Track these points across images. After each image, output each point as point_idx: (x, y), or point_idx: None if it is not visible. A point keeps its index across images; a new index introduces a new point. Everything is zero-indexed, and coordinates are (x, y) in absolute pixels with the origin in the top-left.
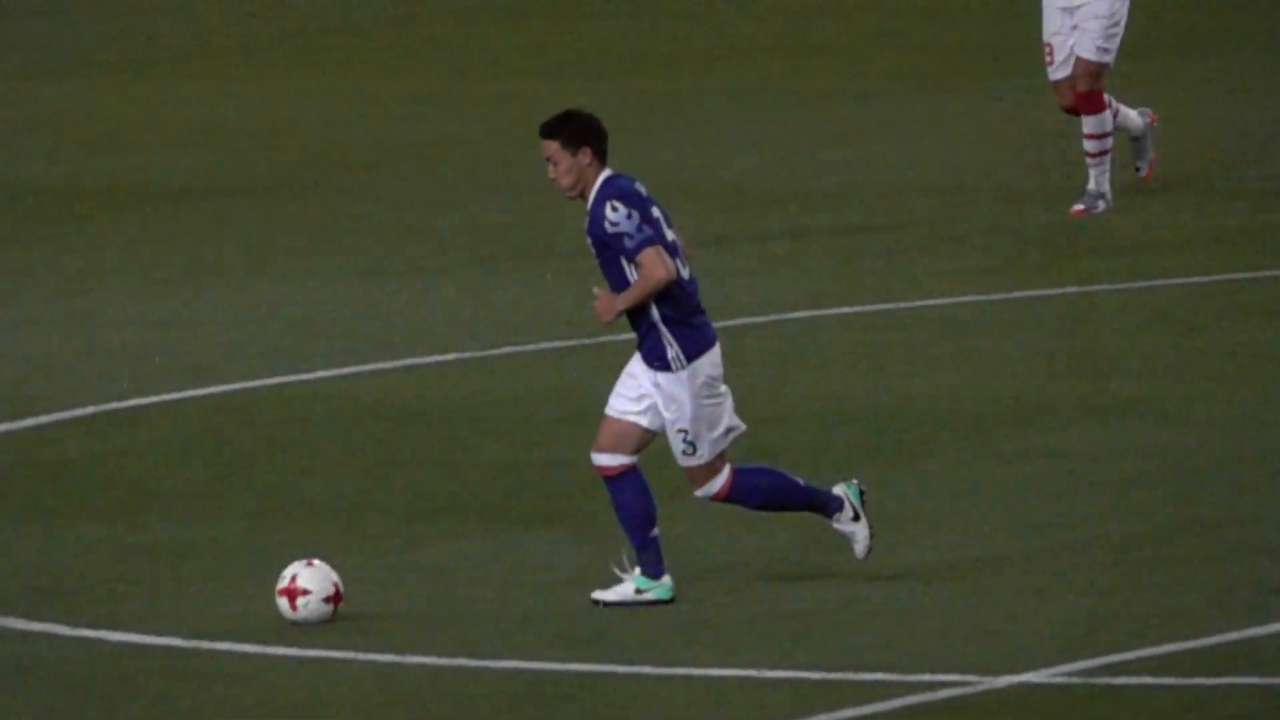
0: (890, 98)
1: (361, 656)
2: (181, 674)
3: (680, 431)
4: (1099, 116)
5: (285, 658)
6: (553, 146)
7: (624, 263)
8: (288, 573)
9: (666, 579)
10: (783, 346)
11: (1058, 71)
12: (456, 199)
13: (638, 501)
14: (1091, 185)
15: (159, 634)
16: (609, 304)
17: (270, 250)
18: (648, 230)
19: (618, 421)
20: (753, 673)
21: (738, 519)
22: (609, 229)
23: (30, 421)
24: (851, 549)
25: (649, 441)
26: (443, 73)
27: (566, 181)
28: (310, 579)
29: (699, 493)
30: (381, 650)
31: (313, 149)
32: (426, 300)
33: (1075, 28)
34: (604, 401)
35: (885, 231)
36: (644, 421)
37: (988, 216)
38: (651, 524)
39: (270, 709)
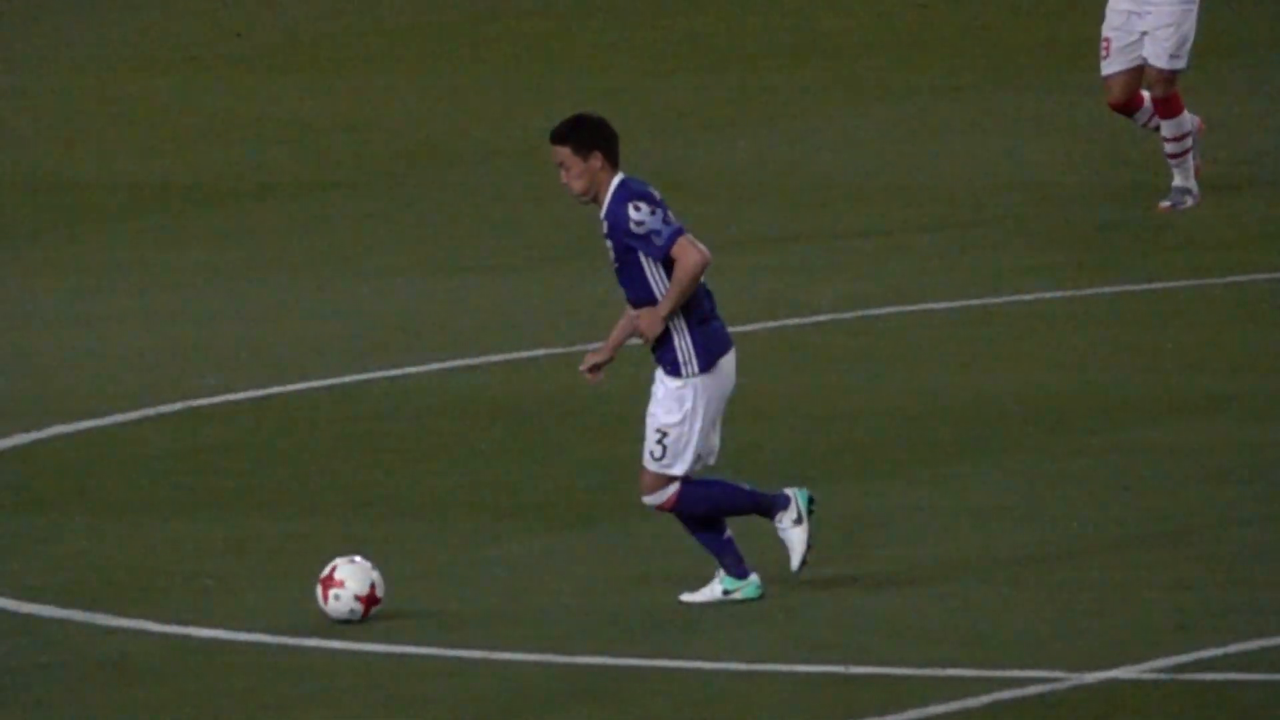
0: (979, 93)
1: (448, 652)
2: (269, 670)
3: (658, 431)
4: (1176, 120)
5: (372, 654)
6: (564, 152)
7: (645, 265)
8: (330, 565)
9: (753, 577)
10: (869, 343)
11: (1110, 66)
12: (546, 195)
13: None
14: (1177, 181)
15: (247, 630)
16: (652, 318)
17: (360, 246)
18: (674, 222)
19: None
20: (839, 669)
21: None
22: (635, 229)
23: (118, 417)
24: (789, 558)
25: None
26: (534, 68)
27: (579, 186)
28: (349, 573)
29: (647, 499)
30: (468, 646)
31: (403, 145)
32: (515, 296)
33: (1145, 34)
34: None
35: (972, 227)
36: None
37: (1075, 212)
38: (721, 529)
39: (357, 705)
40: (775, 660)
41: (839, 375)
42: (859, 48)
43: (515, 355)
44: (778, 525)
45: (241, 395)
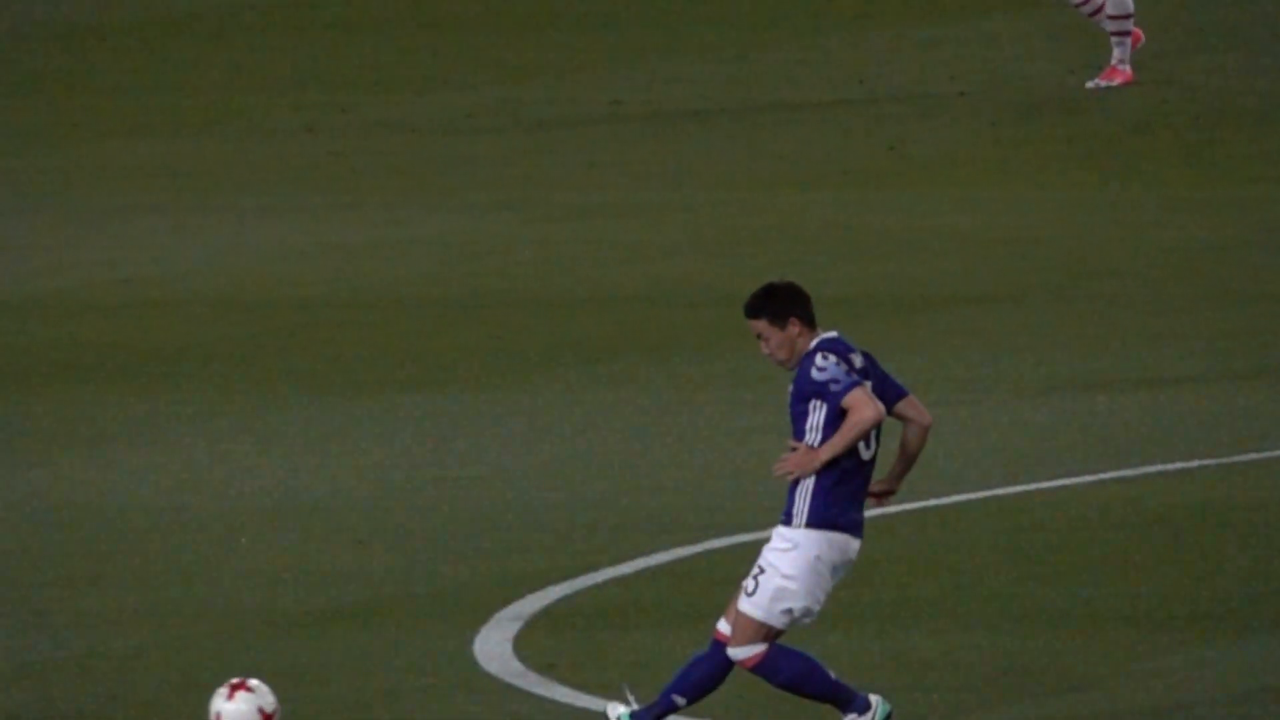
0: None
1: None
2: None
3: (759, 566)
4: None
5: None
6: (760, 325)
7: (811, 418)
8: None
9: (874, 698)
10: None
11: None
12: (1201, 307)
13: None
14: None
15: None
16: (808, 457)
17: (1020, 360)
18: (856, 376)
19: None
20: None
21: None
22: (816, 376)
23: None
24: None
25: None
26: (1181, 178)
27: (781, 355)
28: None
29: (731, 650)
30: None
31: (1057, 257)
32: (1172, 407)
33: None
34: None
35: None
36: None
37: None
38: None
39: None
40: None
41: None
42: None
43: (1172, 466)
44: None
45: (898, 509)
